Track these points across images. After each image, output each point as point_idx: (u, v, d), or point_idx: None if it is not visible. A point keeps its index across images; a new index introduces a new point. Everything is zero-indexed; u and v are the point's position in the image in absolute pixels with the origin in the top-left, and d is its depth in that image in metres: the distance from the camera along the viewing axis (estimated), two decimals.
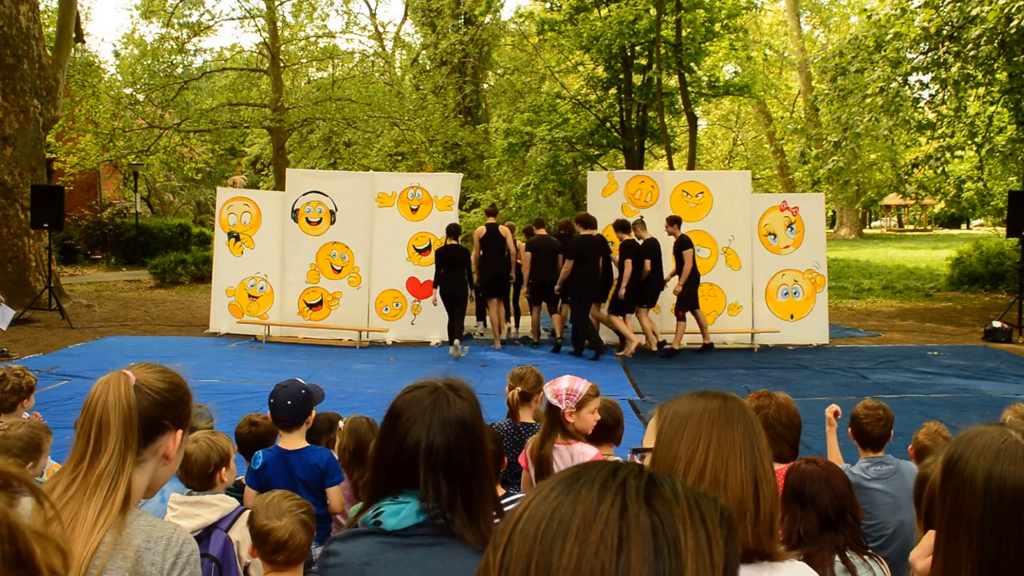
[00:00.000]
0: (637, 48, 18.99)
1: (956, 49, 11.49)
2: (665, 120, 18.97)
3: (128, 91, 20.03)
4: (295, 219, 10.71)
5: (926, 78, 13.05)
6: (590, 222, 9.43)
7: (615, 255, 9.52)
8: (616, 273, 9.46)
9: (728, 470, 1.28)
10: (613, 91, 20.25)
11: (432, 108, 22.22)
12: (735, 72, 22.58)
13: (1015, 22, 10.36)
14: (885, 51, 12.31)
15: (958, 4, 11.33)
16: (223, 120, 20.91)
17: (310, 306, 10.63)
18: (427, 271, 10.33)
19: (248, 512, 2.41)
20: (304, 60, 23.85)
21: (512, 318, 11.16)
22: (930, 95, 13.52)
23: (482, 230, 10.06)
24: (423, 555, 1.48)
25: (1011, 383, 7.98)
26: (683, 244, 9.30)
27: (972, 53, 11.23)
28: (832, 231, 35.15)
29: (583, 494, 0.63)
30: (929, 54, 12.12)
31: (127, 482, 1.40)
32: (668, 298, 9.79)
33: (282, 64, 22.09)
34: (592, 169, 19.56)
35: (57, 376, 7.74)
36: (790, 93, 35.66)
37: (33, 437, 2.78)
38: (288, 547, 2.23)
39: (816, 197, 11.22)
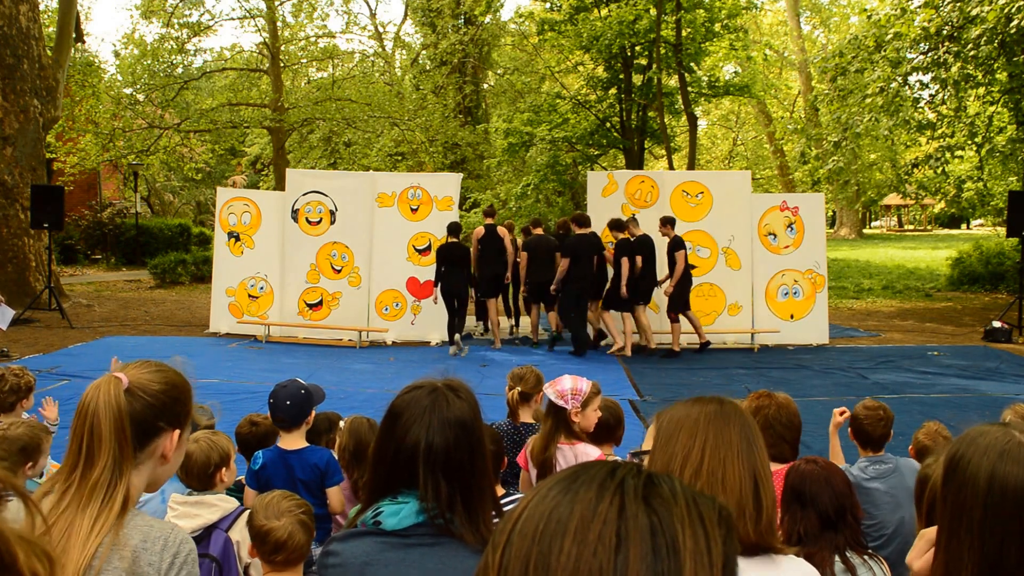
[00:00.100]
0: (637, 48, 18.98)
1: (956, 49, 11.49)
2: (665, 120, 18.97)
3: (128, 91, 20.02)
4: (295, 219, 10.71)
5: (926, 78, 13.06)
6: (585, 221, 9.55)
7: (609, 253, 9.57)
8: (611, 272, 9.50)
9: (726, 467, 1.30)
10: (613, 91, 20.25)
11: (432, 108, 22.21)
12: (735, 72, 22.57)
13: (1015, 22, 10.36)
14: (885, 51, 12.30)
15: (958, 4, 11.33)
16: (223, 120, 20.91)
17: (310, 306, 10.63)
18: (427, 271, 10.34)
19: (248, 512, 2.41)
20: (304, 60, 23.84)
21: (512, 318, 11.20)
22: (930, 95, 13.52)
23: (481, 230, 10.10)
24: (423, 555, 1.48)
25: (1011, 383, 7.98)
26: (676, 245, 9.31)
27: (972, 53, 11.23)
28: (832, 231, 35.15)
29: (581, 494, 0.63)
30: (929, 54, 12.12)
31: (124, 489, 1.38)
32: (662, 299, 9.81)
33: (282, 64, 22.09)
34: (592, 169, 19.55)
35: (57, 376, 7.74)
36: (790, 93, 35.65)
37: (32, 437, 2.78)
38: (287, 547, 2.22)
39: (816, 197, 11.22)
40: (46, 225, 11.59)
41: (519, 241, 10.73)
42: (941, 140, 13.73)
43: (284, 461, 3.04)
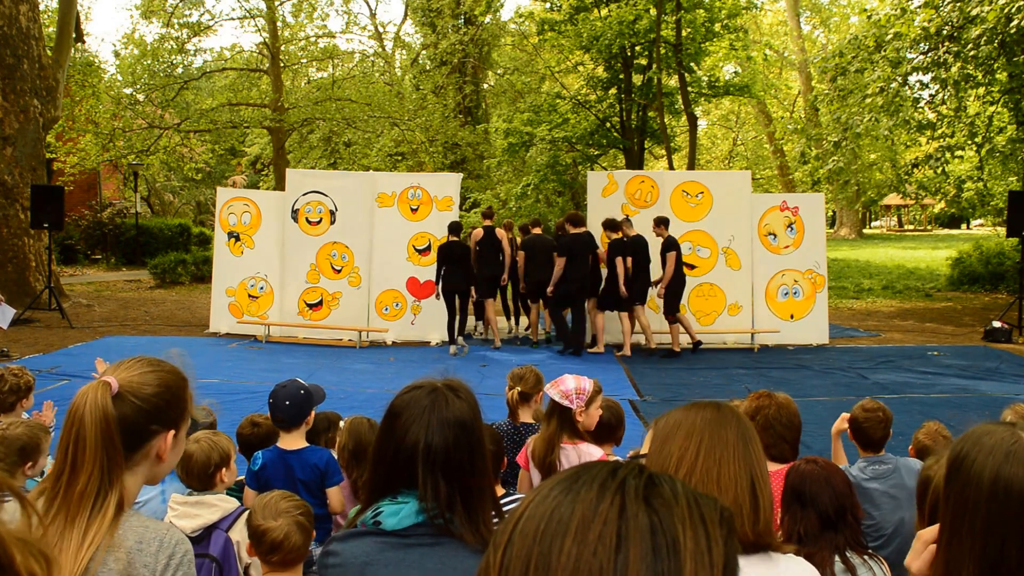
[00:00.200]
0: (637, 48, 18.98)
1: (956, 49, 11.49)
2: (665, 120, 18.97)
3: (128, 91, 20.02)
4: (295, 219, 10.71)
5: (926, 78, 13.06)
6: (579, 221, 9.68)
7: (602, 253, 9.64)
8: (604, 272, 9.57)
9: (721, 467, 1.30)
10: (613, 91, 20.25)
11: (432, 108, 22.21)
12: (735, 72, 22.57)
13: (1015, 22, 10.36)
14: (885, 51, 12.30)
15: (958, 4, 11.33)
16: (223, 120, 20.91)
17: (310, 306, 10.63)
18: (427, 271, 10.35)
19: (248, 512, 2.41)
20: (304, 60, 23.84)
21: (512, 317, 11.23)
22: (930, 95, 13.52)
23: (479, 232, 10.16)
24: (422, 555, 1.48)
25: (1011, 383, 7.98)
26: (667, 246, 9.32)
27: (972, 53, 11.22)
28: (832, 231, 35.15)
29: (582, 494, 0.63)
30: (929, 54, 12.12)
31: (117, 496, 1.35)
32: (661, 300, 9.82)
33: (282, 64, 22.08)
34: (592, 169, 19.55)
35: (57, 376, 7.74)
36: (790, 93, 35.65)
37: (31, 437, 2.78)
38: (283, 548, 2.22)
39: (816, 197, 11.22)
40: (46, 225, 11.59)
41: (518, 240, 10.78)
42: (941, 140, 13.73)
43: (284, 461, 3.03)
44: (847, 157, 14.03)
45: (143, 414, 1.42)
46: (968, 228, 43.00)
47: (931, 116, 13.68)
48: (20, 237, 12.60)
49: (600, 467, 0.67)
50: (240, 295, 10.80)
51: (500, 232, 10.21)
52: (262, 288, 10.79)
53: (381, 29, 29.90)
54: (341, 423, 3.45)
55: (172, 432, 1.48)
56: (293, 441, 3.07)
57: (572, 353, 9.50)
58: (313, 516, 2.36)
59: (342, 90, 21.85)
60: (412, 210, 10.61)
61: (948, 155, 13.69)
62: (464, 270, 9.44)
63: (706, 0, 18.24)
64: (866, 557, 2.26)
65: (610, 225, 9.56)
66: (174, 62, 20.59)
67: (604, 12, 18.56)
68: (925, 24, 11.86)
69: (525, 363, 3.99)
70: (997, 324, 10.66)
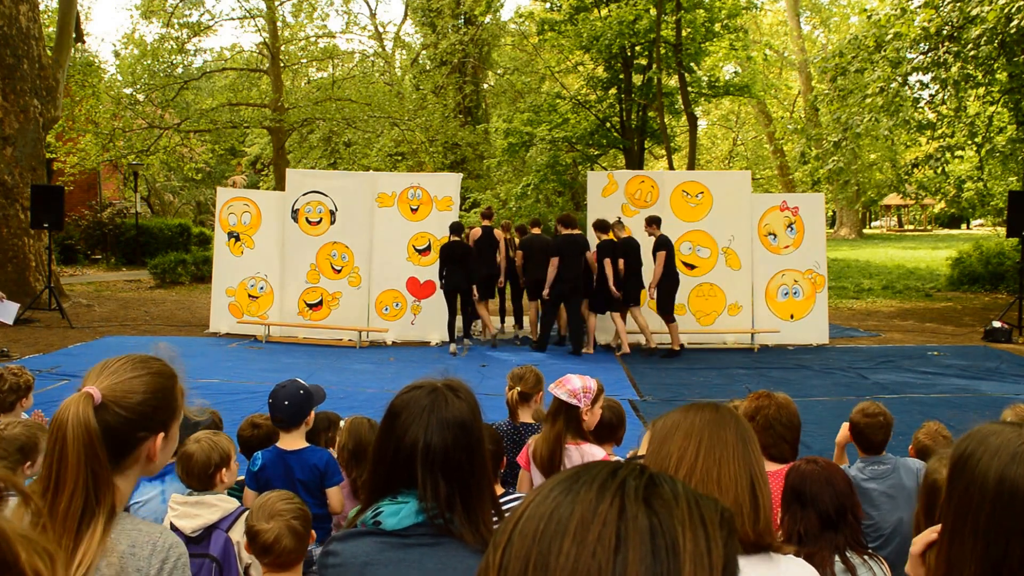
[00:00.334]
0: (637, 48, 18.97)
1: (956, 49, 11.49)
2: (665, 120, 18.96)
3: (128, 91, 20.02)
4: (295, 219, 10.71)
5: (926, 78, 13.05)
6: (570, 222, 9.74)
7: (592, 255, 9.68)
8: (596, 272, 9.59)
9: (721, 468, 1.30)
10: (613, 91, 20.24)
11: (432, 108, 22.21)
12: (735, 72, 22.56)
13: (1015, 22, 10.36)
14: (885, 51, 12.30)
15: (958, 4, 11.33)
16: (223, 120, 20.91)
17: (310, 306, 10.63)
18: (427, 271, 10.36)
19: (248, 512, 2.41)
20: (304, 60, 23.84)
21: (512, 317, 11.29)
22: (930, 95, 13.52)
23: (477, 231, 10.20)
24: (422, 555, 1.48)
25: (1011, 383, 7.98)
26: (658, 245, 9.32)
27: (972, 53, 11.22)
28: (832, 231, 35.15)
29: (582, 494, 0.63)
30: (929, 54, 12.11)
31: (106, 514, 1.30)
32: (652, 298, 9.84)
33: (282, 64, 22.08)
34: (592, 169, 19.54)
35: (57, 376, 7.74)
36: (790, 93, 35.65)
37: (30, 436, 2.77)
38: (273, 551, 2.20)
39: (816, 197, 11.22)
40: (46, 225, 11.59)
41: (516, 240, 10.83)
42: (941, 140, 13.73)
43: (283, 462, 3.03)
44: (847, 157, 14.03)
45: (129, 423, 1.37)
46: (968, 228, 43.00)
47: (931, 116, 13.68)
48: (20, 237, 12.60)
49: (600, 467, 0.67)
50: (240, 295, 10.80)
51: (498, 232, 10.26)
52: (262, 288, 10.79)
53: (381, 29, 29.93)
54: (341, 423, 3.45)
55: (161, 435, 1.44)
56: (293, 441, 3.06)
57: (571, 353, 9.52)
58: (311, 519, 2.34)
59: (342, 90, 21.85)
60: (412, 210, 10.61)
61: (948, 155, 13.68)
62: (465, 270, 9.48)
63: (706, 0, 18.24)
64: (866, 557, 2.26)
65: (600, 226, 9.60)
66: (174, 62, 20.59)
67: (604, 12, 18.56)
68: (925, 24, 11.85)
69: (525, 363, 3.99)
70: (997, 324, 10.66)
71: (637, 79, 19.38)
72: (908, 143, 17.70)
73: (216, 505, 2.49)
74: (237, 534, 2.44)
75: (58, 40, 13.88)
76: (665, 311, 9.46)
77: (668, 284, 9.36)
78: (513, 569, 0.61)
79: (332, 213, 10.69)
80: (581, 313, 9.76)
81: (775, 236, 10.48)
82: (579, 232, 9.74)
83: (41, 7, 14.89)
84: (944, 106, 13.30)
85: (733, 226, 10.35)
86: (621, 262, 9.32)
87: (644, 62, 19.15)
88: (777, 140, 30.76)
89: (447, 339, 9.93)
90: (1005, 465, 1.24)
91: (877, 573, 2.25)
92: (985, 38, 10.89)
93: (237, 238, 10.87)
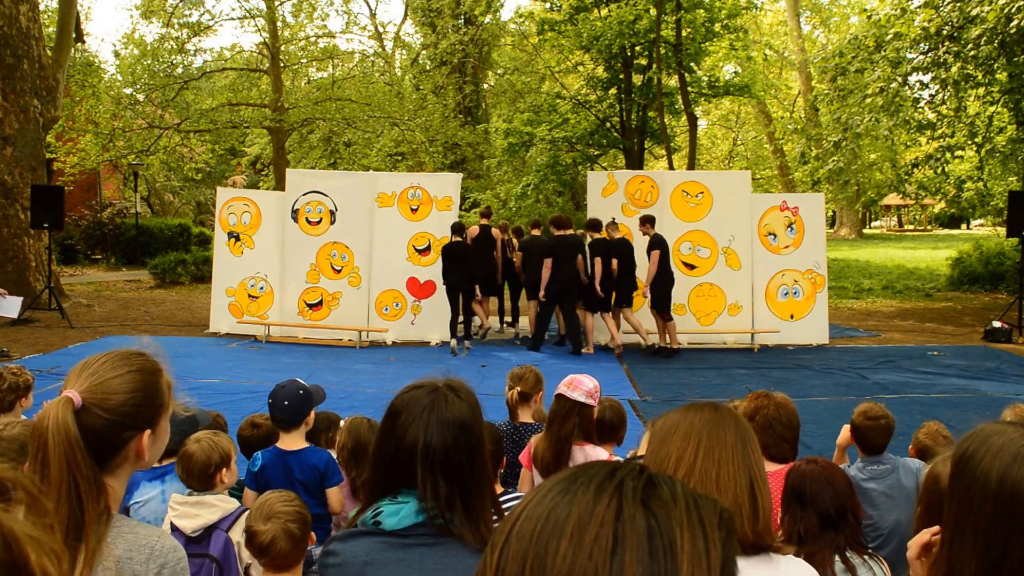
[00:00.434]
0: (637, 48, 18.97)
1: (956, 49, 11.48)
2: (665, 120, 18.96)
3: (128, 91, 20.01)
4: (295, 219, 10.71)
5: (926, 78, 13.05)
6: (564, 223, 9.77)
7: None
8: (588, 271, 9.63)
9: (720, 468, 1.30)
10: (613, 91, 20.24)
11: (432, 108, 22.21)
12: (735, 72, 22.55)
13: (1015, 22, 10.35)
14: (885, 51, 12.29)
15: (958, 4, 11.32)
16: (223, 120, 20.90)
17: (310, 306, 10.63)
18: (427, 271, 10.37)
19: (249, 511, 2.41)
20: (304, 60, 23.83)
21: (511, 316, 11.32)
22: (930, 95, 13.51)
23: (475, 229, 10.22)
24: (422, 555, 1.48)
25: (1011, 383, 7.98)
26: (652, 245, 9.33)
27: (972, 53, 11.22)
28: (832, 231, 35.14)
29: (579, 495, 0.63)
30: (929, 54, 12.11)
31: (96, 517, 1.26)
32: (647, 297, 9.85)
33: (282, 64, 22.08)
34: (592, 169, 19.55)
35: (57, 376, 7.74)
36: (790, 93, 35.63)
37: (30, 436, 2.77)
38: (269, 552, 2.20)
39: (816, 197, 11.22)
40: (46, 225, 11.58)
41: (514, 242, 10.86)
42: (941, 140, 13.72)
43: (283, 462, 3.02)
44: (847, 157, 14.02)
45: (113, 424, 1.33)
46: (968, 228, 42.99)
47: (931, 116, 13.68)
48: (20, 237, 12.59)
49: (598, 468, 0.67)
50: (240, 295, 10.80)
51: (496, 232, 10.30)
52: (262, 288, 10.79)
53: (381, 29, 29.93)
54: (341, 423, 3.45)
55: (148, 432, 1.39)
56: (293, 442, 3.06)
57: (571, 353, 9.53)
58: (309, 522, 2.32)
59: (342, 90, 21.85)
60: (412, 210, 10.61)
61: (948, 155, 13.68)
62: (466, 270, 9.50)
63: (706, 0, 18.23)
64: (866, 557, 2.26)
65: (592, 225, 9.63)
66: (174, 62, 20.59)
67: (604, 12, 18.56)
68: (925, 24, 11.85)
69: (525, 363, 3.99)
70: (997, 324, 10.65)
71: (637, 79, 19.37)
72: (908, 143, 17.70)
73: (216, 505, 2.49)
74: (237, 534, 2.44)
75: (58, 40, 13.88)
76: (662, 310, 9.46)
77: (663, 283, 9.36)
78: (510, 570, 0.61)
79: (332, 213, 10.69)
80: (577, 313, 9.77)
81: (775, 236, 10.47)
82: (573, 233, 9.78)
83: (41, 7, 14.89)
84: (944, 106, 13.30)
85: (733, 226, 10.35)
86: (615, 262, 9.33)
87: (644, 62, 19.15)
88: (777, 140, 30.75)
89: (447, 338, 9.93)
90: (1007, 465, 1.23)
91: (877, 573, 2.24)
92: (985, 38, 10.88)
93: (237, 238, 10.87)
